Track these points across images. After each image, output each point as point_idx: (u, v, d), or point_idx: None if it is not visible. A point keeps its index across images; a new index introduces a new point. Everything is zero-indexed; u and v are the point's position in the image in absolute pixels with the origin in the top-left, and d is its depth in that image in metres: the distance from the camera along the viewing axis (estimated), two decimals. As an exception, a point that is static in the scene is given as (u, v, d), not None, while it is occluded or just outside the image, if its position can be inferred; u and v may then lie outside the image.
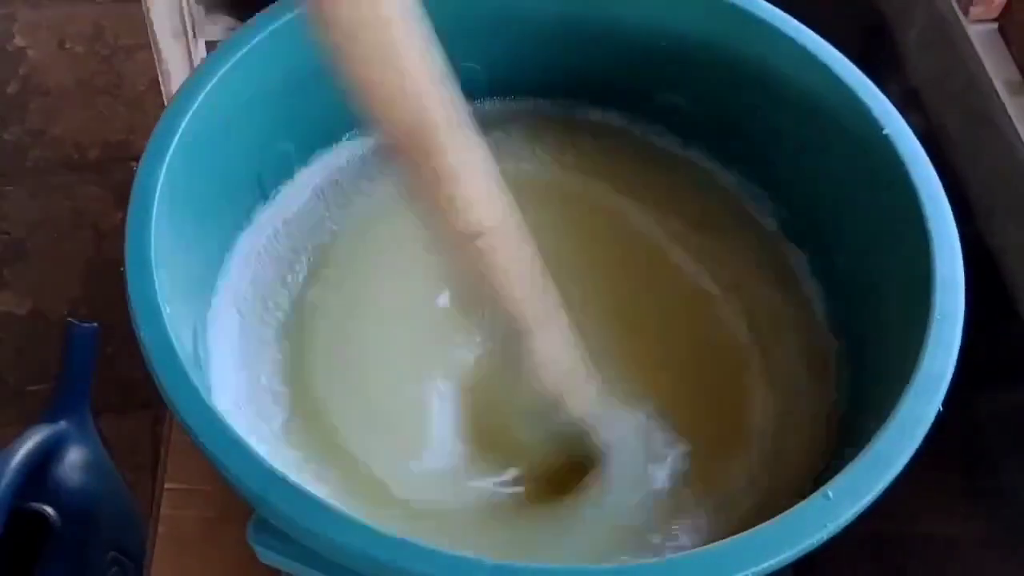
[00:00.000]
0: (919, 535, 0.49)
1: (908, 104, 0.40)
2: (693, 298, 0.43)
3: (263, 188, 0.45)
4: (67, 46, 0.90)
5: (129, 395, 0.80)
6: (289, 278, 0.43)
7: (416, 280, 0.42)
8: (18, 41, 0.90)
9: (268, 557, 0.31)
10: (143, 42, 0.85)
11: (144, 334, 0.33)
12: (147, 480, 0.74)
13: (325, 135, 0.47)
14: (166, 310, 0.34)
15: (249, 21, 0.41)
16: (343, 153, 0.47)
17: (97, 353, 0.68)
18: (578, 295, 0.40)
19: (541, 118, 0.49)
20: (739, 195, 0.46)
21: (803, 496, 0.31)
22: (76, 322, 0.67)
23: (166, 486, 0.53)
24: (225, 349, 0.41)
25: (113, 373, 0.78)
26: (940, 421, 0.32)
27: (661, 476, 0.38)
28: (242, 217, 0.44)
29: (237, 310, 0.42)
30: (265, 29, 0.41)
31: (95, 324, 0.67)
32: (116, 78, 0.90)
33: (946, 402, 0.33)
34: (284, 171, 0.45)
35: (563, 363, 0.36)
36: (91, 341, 0.67)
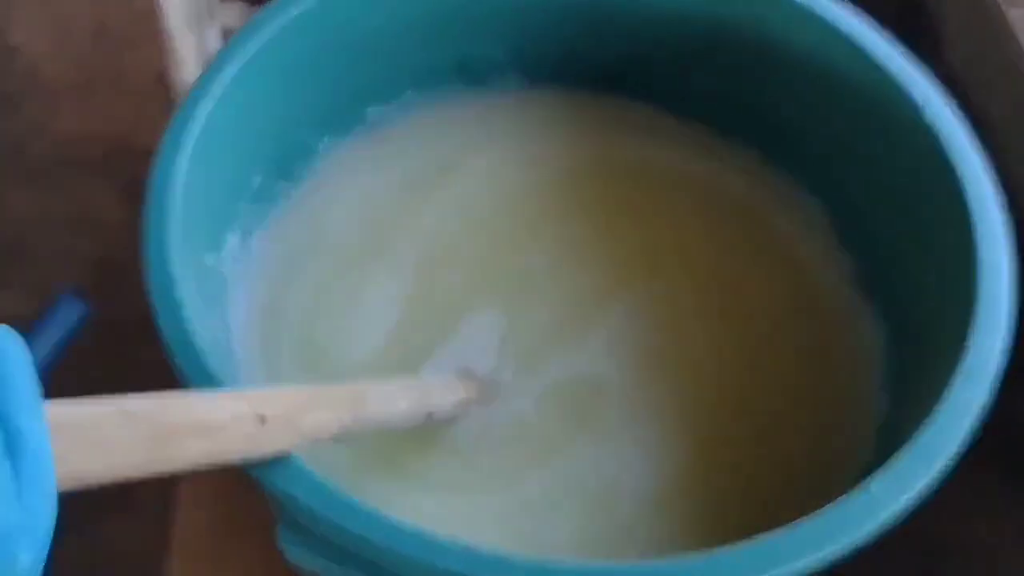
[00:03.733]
0: (956, 535, 0.48)
1: (947, 90, 0.39)
2: (725, 285, 0.43)
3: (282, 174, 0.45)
4: (68, 40, 0.89)
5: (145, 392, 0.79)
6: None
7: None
8: (18, 36, 0.89)
9: (297, 556, 0.31)
10: (146, 36, 0.84)
11: (165, 331, 0.32)
12: (155, 482, 0.73)
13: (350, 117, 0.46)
14: (185, 302, 0.33)
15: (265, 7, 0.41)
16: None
17: (77, 335, 0.64)
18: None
19: (565, 105, 0.48)
20: (775, 184, 0.46)
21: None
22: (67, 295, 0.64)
23: (181, 488, 0.52)
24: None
25: (119, 374, 0.77)
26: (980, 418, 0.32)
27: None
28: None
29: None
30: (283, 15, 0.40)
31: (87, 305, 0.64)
32: (118, 73, 0.89)
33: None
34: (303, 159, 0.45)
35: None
36: (75, 316, 0.63)
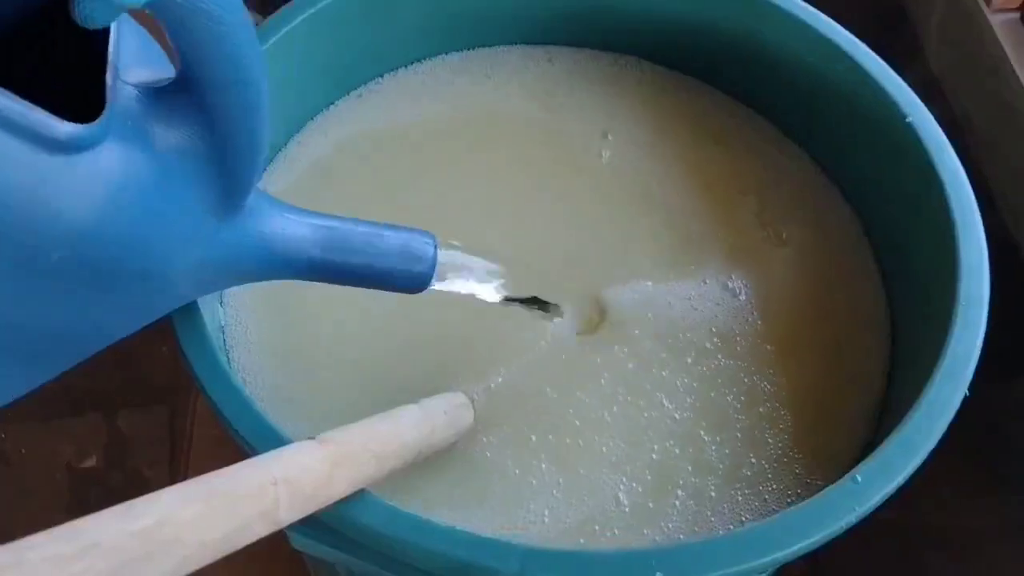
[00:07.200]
0: (939, 526, 0.49)
1: (929, 93, 0.40)
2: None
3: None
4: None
5: (146, 391, 0.81)
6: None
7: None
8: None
9: (301, 543, 0.32)
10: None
11: (179, 328, 0.33)
12: (164, 475, 0.75)
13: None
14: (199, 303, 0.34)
15: (276, 14, 0.42)
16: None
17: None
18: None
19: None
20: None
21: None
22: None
23: (190, 470, 0.53)
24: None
25: (131, 370, 0.79)
26: (962, 411, 0.32)
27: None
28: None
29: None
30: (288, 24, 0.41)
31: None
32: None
33: (969, 392, 0.33)
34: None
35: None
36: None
